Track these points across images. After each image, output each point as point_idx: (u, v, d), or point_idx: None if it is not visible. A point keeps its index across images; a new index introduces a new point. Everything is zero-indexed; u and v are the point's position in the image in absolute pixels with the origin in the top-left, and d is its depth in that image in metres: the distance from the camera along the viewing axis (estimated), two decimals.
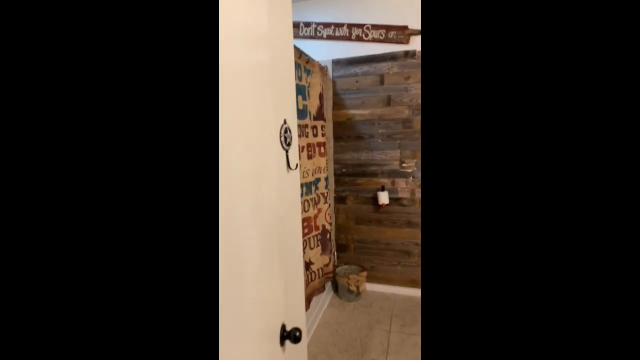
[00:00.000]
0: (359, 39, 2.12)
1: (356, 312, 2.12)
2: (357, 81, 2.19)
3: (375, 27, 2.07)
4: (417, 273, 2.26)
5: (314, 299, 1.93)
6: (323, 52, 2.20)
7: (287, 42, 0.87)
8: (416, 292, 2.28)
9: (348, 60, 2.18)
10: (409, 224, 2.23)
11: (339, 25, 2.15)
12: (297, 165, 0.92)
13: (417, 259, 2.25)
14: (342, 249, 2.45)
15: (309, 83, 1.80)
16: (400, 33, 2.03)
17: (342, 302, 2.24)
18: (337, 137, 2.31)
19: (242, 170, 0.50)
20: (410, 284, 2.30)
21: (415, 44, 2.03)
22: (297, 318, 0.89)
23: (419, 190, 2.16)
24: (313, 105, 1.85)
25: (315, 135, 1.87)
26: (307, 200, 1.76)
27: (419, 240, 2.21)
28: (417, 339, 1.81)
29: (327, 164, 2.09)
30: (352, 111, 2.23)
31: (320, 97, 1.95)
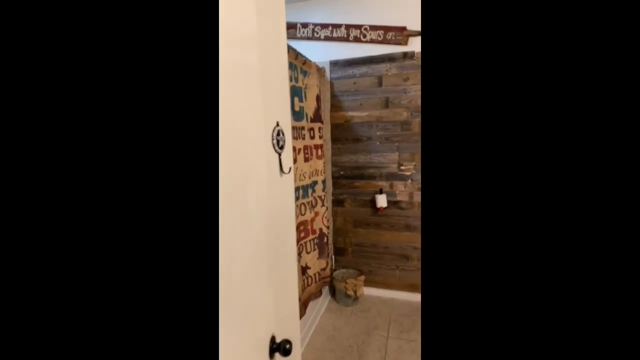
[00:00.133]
0: (357, 40, 2.10)
1: (354, 317, 2.09)
2: (355, 83, 2.16)
3: (373, 28, 2.05)
4: (415, 277, 2.23)
5: (311, 304, 1.89)
6: (321, 53, 2.18)
7: (280, 42, 0.84)
8: (415, 297, 2.24)
9: (346, 61, 2.16)
10: (408, 227, 2.20)
11: (336, 26, 2.13)
12: (290, 169, 0.89)
13: (415, 263, 2.22)
14: (339, 253, 2.41)
15: (306, 85, 1.78)
16: (399, 34, 2.01)
17: (339, 307, 2.21)
18: (334, 139, 2.28)
19: (223, 177, 0.47)
20: (409, 288, 2.26)
21: (414, 45, 2.01)
22: (289, 328, 0.85)
23: (418, 193, 2.13)
24: (310, 107, 1.82)
25: (312, 138, 1.85)
26: (303, 203, 1.73)
27: (417, 244, 2.18)
28: (416, 345, 1.77)
29: (324, 166, 2.06)
30: (350, 113, 2.21)
31: (318, 98, 1.92)
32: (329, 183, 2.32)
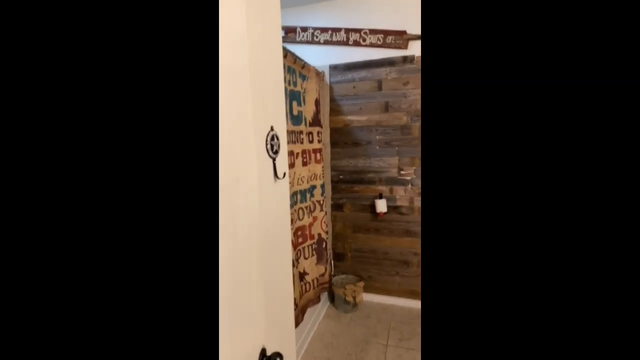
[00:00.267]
0: (356, 44, 2.09)
1: (352, 324, 2.05)
2: (354, 87, 2.15)
3: (373, 31, 2.04)
4: (416, 284, 2.19)
5: (309, 310, 1.86)
6: (320, 57, 2.17)
7: (275, 46, 0.82)
8: (415, 304, 2.21)
9: (345, 65, 2.14)
10: (408, 233, 2.17)
11: (336, 30, 2.12)
12: (284, 174, 0.87)
13: (416, 269, 2.19)
14: (339, 258, 2.38)
15: (305, 89, 1.76)
16: (399, 38, 2.00)
17: (338, 313, 2.17)
18: (334, 144, 2.26)
19: None
20: (409, 295, 2.23)
21: (413, 49, 2.00)
22: (282, 340, 0.83)
23: (418, 198, 2.10)
24: (309, 111, 1.80)
25: (310, 142, 1.83)
26: (301, 208, 1.71)
27: (418, 250, 2.15)
28: (416, 354, 1.73)
29: (323, 170, 2.04)
30: (349, 117, 2.19)
31: (317, 102, 1.91)
32: (328, 187, 2.30)
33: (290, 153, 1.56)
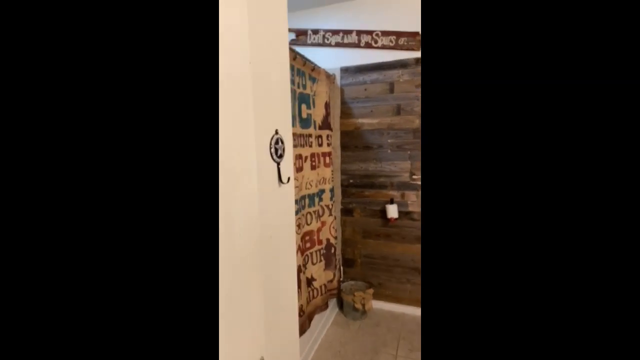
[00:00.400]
0: (368, 45, 2.06)
1: (361, 332, 2.00)
2: (365, 89, 2.11)
3: (385, 33, 2.01)
4: None
5: (316, 317, 1.83)
6: (331, 59, 2.15)
7: (281, 50, 0.80)
8: None
9: (357, 67, 2.11)
10: (420, 239, 2.10)
11: (347, 32, 2.09)
12: (289, 178, 0.85)
13: None
14: (348, 264, 2.34)
15: (315, 91, 1.74)
16: (411, 40, 1.95)
17: (346, 321, 2.12)
18: (344, 147, 2.23)
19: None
20: (420, 303, 2.15)
21: None
22: (284, 349, 0.80)
23: None
24: (318, 114, 1.78)
25: (320, 145, 1.80)
26: (309, 212, 1.68)
27: None
28: None
29: (332, 174, 2.01)
30: (360, 120, 2.16)
31: (327, 105, 1.88)
32: (338, 192, 2.26)
33: (299, 156, 1.53)
